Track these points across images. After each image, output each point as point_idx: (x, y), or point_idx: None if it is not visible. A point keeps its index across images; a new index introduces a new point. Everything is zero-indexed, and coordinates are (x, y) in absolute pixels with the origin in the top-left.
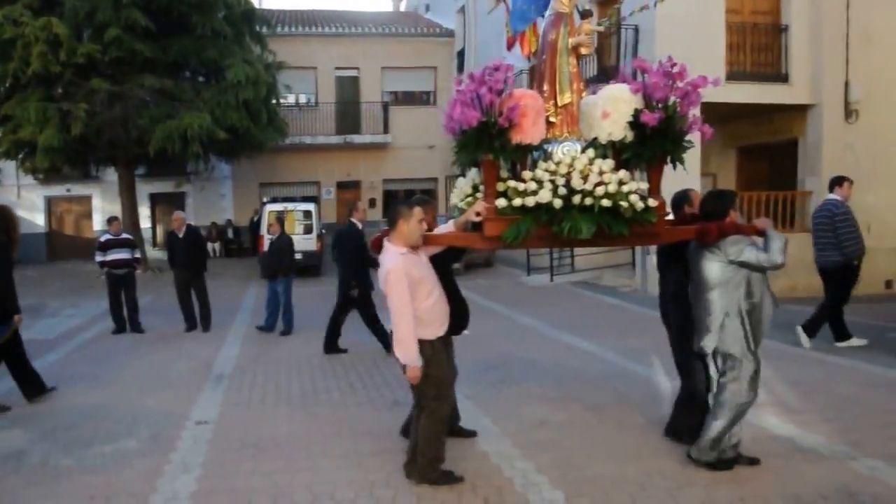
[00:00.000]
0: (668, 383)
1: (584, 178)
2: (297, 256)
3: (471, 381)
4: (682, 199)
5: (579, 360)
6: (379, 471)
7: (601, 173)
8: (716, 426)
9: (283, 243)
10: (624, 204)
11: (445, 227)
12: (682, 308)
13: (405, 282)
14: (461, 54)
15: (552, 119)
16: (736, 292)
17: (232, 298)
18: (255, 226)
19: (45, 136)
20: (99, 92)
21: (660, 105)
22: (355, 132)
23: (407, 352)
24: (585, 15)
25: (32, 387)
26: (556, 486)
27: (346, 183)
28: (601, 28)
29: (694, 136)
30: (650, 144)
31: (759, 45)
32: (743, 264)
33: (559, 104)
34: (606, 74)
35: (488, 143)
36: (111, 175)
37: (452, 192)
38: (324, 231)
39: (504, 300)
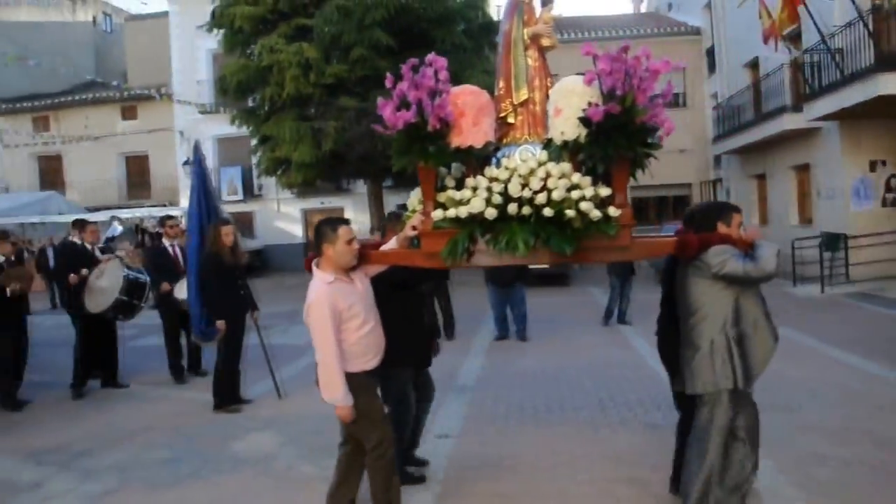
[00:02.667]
0: None
1: (524, 185)
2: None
3: None
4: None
5: (863, 384)
6: (633, 502)
7: (545, 178)
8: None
9: None
10: (570, 213)
11: (390, 245)
12: None
13: (328, 316)
14: (710, 52)
15: (510, 120)
16: (722, 317)
17: (477, 306)
18: None
19: (299, 152)
20: (347, 109)
21: (616, 96)
22: None
23: (333, 391)
24: (545, 2)
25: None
26: None
27: None
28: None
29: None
30: (601, 143)
31: None
32: (728, 277)
33: (516, 102)
34: (887, 63)
35: (419, 147)
36: (361, 187)
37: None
38: None
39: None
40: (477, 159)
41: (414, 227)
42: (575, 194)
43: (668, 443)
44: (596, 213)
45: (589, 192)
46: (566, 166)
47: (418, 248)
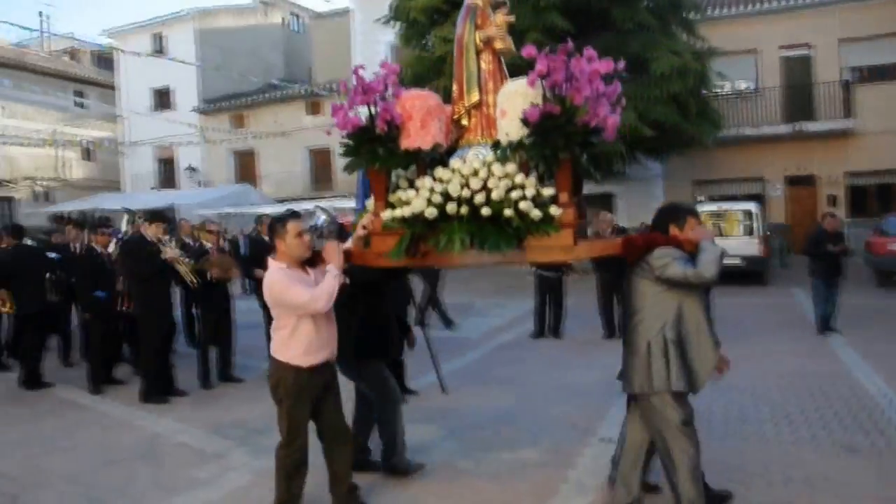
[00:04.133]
0: None
1: (464, 185)
2: (737, 262)
3: None
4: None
5: None
6: None
7: (486, 178)
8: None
9: None
10: (508, 212)
11: (347, 244)
12: None
13: (288, 280)
14: None
15: (464, 122)
16: (662, 318)
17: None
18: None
19: None
20: None
21: (555, 97)
22: (807, 119)
23: (331, 286)
24: (498, 6)
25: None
26: None
27: (797, 178)
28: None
29: None
30: (539, 143)
31: None
32: (670, 281)
33: (468, 105)
34: None
35: (368, 150)
36: None
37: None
38: (769, 233)
39: None
40: (426, 161)
41: (364, 227)
42: (515, 194)
43: (866, 472)
44: (536, 213)
45: (530, 192)
46: (511, 167)
47: (369, 248)
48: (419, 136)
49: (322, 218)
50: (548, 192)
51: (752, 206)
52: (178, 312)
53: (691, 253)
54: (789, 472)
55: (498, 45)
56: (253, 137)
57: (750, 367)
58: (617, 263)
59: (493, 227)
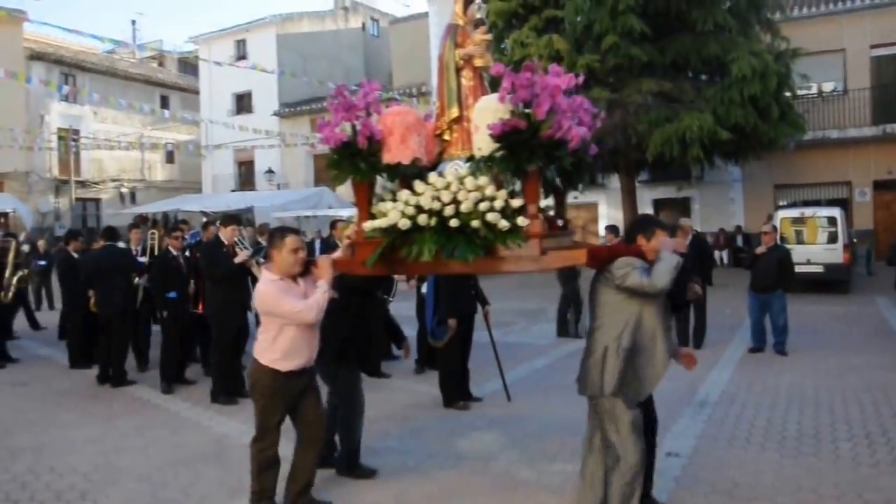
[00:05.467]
0: None
1: (436, 198)
2: (818, 269)
3: None
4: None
5: None
6: None
7: (457, 191)
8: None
9: (780, 253)
10: (475, 223)
11: (336, 253)
12: None
13: (279, 292)
14: None
15: (446, 137)
16: (620, 326)
17: (734, 313)
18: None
19: None
20: (599, 101)
21: (520, 112)
22: None
23: (320, 299)
24: (477, 24)
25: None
26: None
27: (886, 182)
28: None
29: None
30: (507, 157)
31: None
32: (631, 291)
33: (448, 120)
34: None
35: (350, 163)
36: (615, 182)
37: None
38: (855, 240)
39: None
40: (406, 175)
41: (349, 237)
42: (483, 206)
43: None
44: (503, 224)
45: (499, 203)
46: (483, 180)
47: (355, 256)
48: (399, 150)
49: None
50: (516, 203)
51: (835, 212)
52: (251, 314)
53: (653, 263)
54: (867, 495)
55: (478, 62)
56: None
57: (829, 381)
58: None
59: (461, 238)
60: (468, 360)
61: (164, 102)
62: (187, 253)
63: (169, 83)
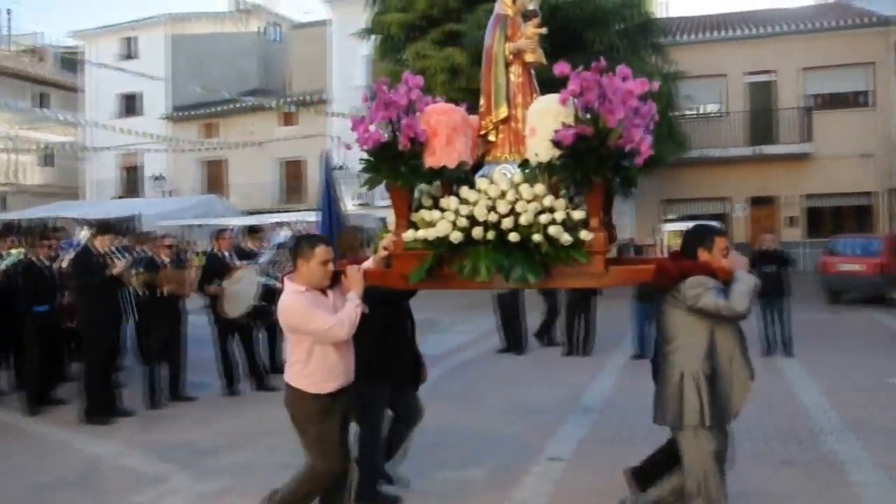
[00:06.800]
0: None
1: (491, 208)
2: None
3: None
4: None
5: None
6: None
7: (514, 201)
8: None
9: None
10: (537, 237)
11: (367, 263)
12: None
13: (308, 305)
14: None
15: (491, 138)
16: (696, 349)
17: (623, 321)
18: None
19: None
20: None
21: (588, 118)
22: (769, 142)
23: (352, 316)
24: (529, 16)
25: None
26: None
27: (760, 199)
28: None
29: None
30: (571, 166)
31: None
32: (703, 312)
33: (495, 120)
34: None
35: (389, 167)
36: None
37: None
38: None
39: None
40: (451, 179)
41: (385, 248)
42: (544, 218)
43: (799, 485)
44: (566, 238)
45: (560, 215)
46: (540, 188)
47: (391, 269)
48: (444, 153)
49: (285, 235)
50: (578, 215)
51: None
52: (128, 327)
53: (725, 281)
54: (729, 486)
55: (528, 57)
56: (223, 147)
57: None
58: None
59: (520, 254)
60: None
61: (43, 100)
62: (63, 263)
63: (48, 80)
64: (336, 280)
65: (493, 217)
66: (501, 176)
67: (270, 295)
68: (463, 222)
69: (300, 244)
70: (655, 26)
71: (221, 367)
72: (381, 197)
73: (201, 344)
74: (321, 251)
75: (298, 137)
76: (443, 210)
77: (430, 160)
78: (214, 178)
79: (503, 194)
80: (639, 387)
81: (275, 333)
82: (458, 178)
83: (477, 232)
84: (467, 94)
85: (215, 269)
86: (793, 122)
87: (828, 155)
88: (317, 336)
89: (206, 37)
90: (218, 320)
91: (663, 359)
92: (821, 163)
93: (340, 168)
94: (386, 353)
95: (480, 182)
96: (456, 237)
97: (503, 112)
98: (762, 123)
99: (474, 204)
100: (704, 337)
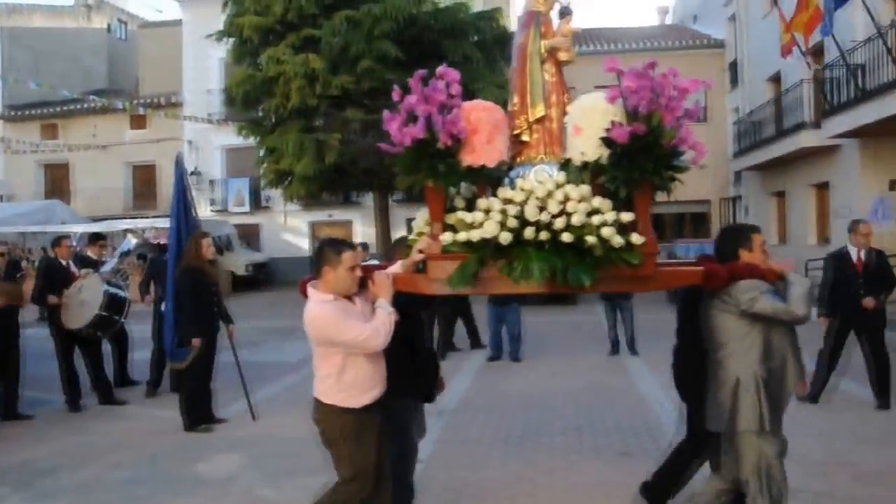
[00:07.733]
0: None
1: (542, 208)
2: None
3: None
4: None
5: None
6: None
7: (564, 201)
8: None
9: None
10: (590, 239)
11: (394, 268)
12: None
13: (338, 313)
14: (734, 66)
15: (525, 138)
16: (750, 353)
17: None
18: None
19: (301, 165)
20: (353, 122)
21: (641, 116)
22: None
23: (387, 322)
24: (564, 13)
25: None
26: None
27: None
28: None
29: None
30: (625, 165)
31: None
32: (757, 316)
33: (531, 119)
34: None
35: (428, 165)
36: (371, 200)
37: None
38: None
39: None
40: (489, 179)
41: (421, 251)
42: (596, 219)
43: (636, 473)
44: (618, 240)
45: (610, 216)
46: (586, 189)
47: (424, 273)
48: (485, 151)
49: (133, 242)
50: (626, 217)
51: None
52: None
53: (773, 283)
54: (573, 479)
55: (563, 55)
56: (68, 150)
57: (554, 383)
58: None
59: (573, 256)
60: (210, 380)
61: None
62: None
63: None
64: (363, 286)
65: (544, 217)
66: (542, 176)
67: (117, 304)
68: (513, 223)
69: (324, 250)
70: (511, 39)
71: (65, 383)
72: (235, 204)
73: (41, 359)
74: (348, 257)
75: (150, 141)
76: (487, 211)
77: (470, 158)
78: (57, 182)
79: (550, 194)
80: (493, 387)
81: (125, 345)
82: (498, 178)
83: (529, 232)
84: (325, 99)
85: (55, 279)
86: None
87: None
88: (352, 347)
89: (46, 31)
90: (59, 333)
91: (715, 364)
92: None
93: (193, 174)
94: (407, 366)
95: (523, 182)
96: (506, 238)
97: (540, 111)
98: None
99: (522, 203)
100: (758, 340)
